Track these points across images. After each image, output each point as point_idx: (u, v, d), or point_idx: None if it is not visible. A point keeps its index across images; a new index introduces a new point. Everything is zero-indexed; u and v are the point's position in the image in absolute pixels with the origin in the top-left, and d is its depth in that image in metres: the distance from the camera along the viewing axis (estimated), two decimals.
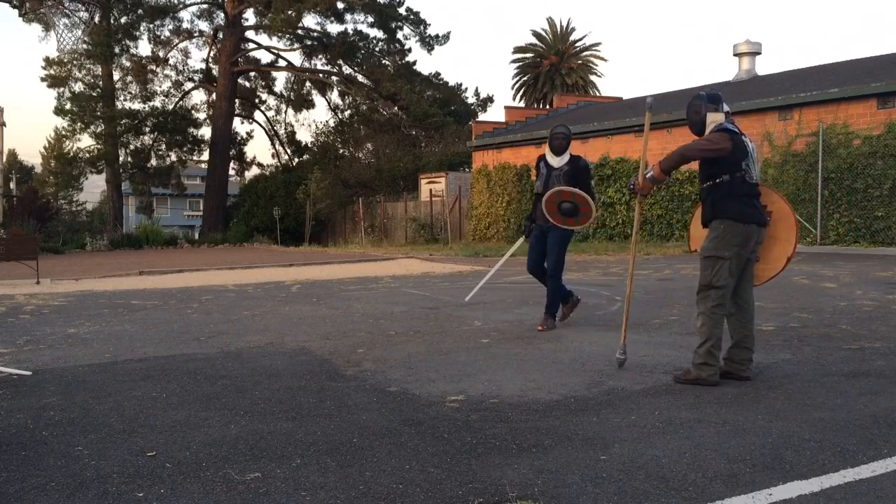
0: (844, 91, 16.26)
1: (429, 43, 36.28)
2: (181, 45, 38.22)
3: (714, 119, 4.58)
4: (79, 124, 34.35)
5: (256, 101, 41.29)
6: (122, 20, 34.74)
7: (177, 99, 38.42)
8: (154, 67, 37.27)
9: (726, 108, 4.66)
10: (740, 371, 4.57)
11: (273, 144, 41.83)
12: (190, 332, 6.93)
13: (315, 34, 36.58)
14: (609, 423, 3.70)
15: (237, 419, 3.90)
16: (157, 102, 37.49)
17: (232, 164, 40.35)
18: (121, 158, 36.00)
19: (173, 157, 38.10)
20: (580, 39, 47.93)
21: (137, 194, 40.64)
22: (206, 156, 38.57)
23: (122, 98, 36.36)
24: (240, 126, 41.54)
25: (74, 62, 34.94)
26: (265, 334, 6.69)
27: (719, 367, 4.51)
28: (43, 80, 34.48)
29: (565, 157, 6.69)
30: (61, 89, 34.50)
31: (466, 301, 7.40)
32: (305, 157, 39.59)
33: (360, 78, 36.90)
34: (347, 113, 39.32)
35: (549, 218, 6.52)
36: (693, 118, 4.68)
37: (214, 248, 30.20)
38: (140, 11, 34.89)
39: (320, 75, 38.33)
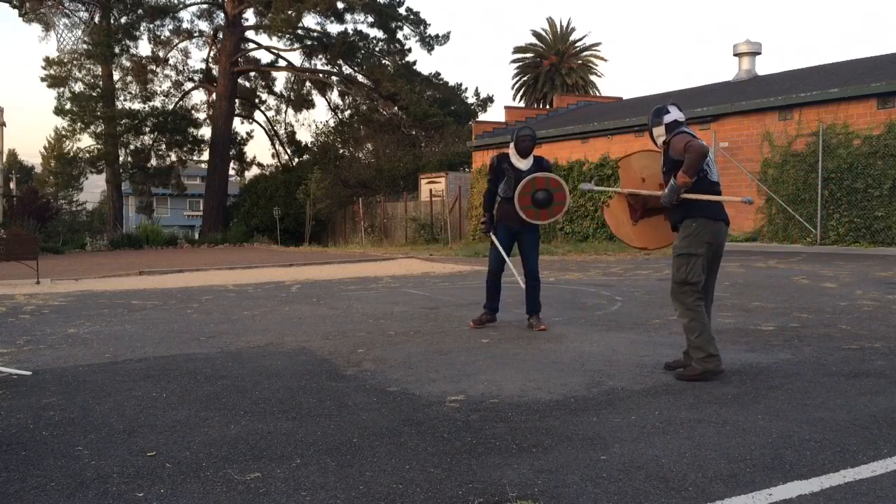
0: (844, 91, 16.26)
1: (429, 43, 36.28)
2: (181, 45, 38.25)
3: (658, 133, 4.89)
4: (79, 124, 34.34)
5: (256, 101, 41.28)
6: (122, 20, 34.72)
7: (177, 99, 38.45)
8: (154, 67, 37.26)
9: (674, 116, 4.84)
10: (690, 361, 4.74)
11: (273, 144, 41.85)
12: (190, 332, 6.93)
13: (315, 34, 36.59)
14: (609, 423, 3.70)
15: (237, 419, 3.90)
16: (157, 102, 37.53)
17: (232, 164, 40.34)
18: (121, 158, 35.99)
19: (173, 157, 38.09)
20: (580, 39, 47.98)
21: (137, 194, 40.64)
22: (206, 156, 38.58)
23: (122, 98, 36.39)
24: (240, 126, 41.60)
25: (74, 62, 34.93)
26: (265, 334, 6.69)
27: (717, 353, 4.61)
28: (43, 80, 34.49)
29: (531, 159, 6.54)
30: (61, 89, 34.50)
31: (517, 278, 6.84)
32: (305, 157, 39.57)
33: (360, 78, 36.88)
34: (347, 113, 39.31)
35: (521, 213, 6.38)
36: (649, 133, 5.06)
37: (214, 248, 30.19)
38: (140, 11, 34.87)
39: (320, 75, 38.32)
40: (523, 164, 6.52)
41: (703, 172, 4.69)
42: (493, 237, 6.73)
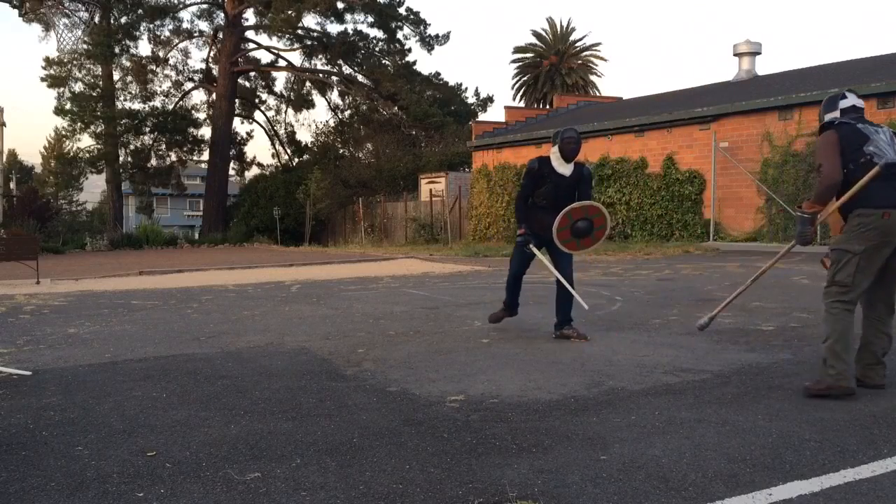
0: (845, 91, 16.24)
1: (429, 43, 36.27)
2: (181, 45, 38.24)
3: (831, 119, 4.37)
4: (79, 124, 34.31)
5: (256, 101, 41.29)
6: (122, 20, 34.70)
7: (177, 99, 38.44)
8: (154, 67, 37.26)
9: (849, 102, 4.34)
10: (867, 379, 4.24)
11: (273, 144, 41.87)
12: (190, 332, 6.93)
13: (315, 34, 36.60)
14: (609, 423, 3.70)
15: (237, 419, 3.90)
16: (157, 102, 37.52)
17: (232, 164, 40.36)
18: (121, 158, 35.98)
19: (173, 157, 38.10)
20: (580, 39, 47.94)
21: (137, 194, 40.62)
22: (206, 156, 38.58)
23: (122, 98, 36.37)
24: (240, 126, 41.60)
25: (74, 62, 34.92)
26: (265, 334, 6.69)
27: (849, 369, 4.05)
28: (43, 80, 34.49)
29: (572, 164, 6.08)
30: (61, 89, 34.50)
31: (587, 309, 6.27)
32: (305, 157, 39.59)
33: (360, 78, 36.89)
34: (347, 113, 39.33)
35: (562, 247, 5.98)
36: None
37: (214, 248, 30.18)
38: (140, 11, 34.85)
39: (320, 75, 38.31)
40: (566, 168, 6.05)
41: (866, 157, 4.06)
42: (535, 250, 6.24)
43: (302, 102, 40.23)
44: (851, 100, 4.36)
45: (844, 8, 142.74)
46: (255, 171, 41.74)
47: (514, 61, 48.14)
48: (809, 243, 4.35)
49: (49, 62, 34.32)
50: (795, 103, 17.15)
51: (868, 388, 4.23)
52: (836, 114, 4.35)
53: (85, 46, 34.12)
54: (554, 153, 6.08)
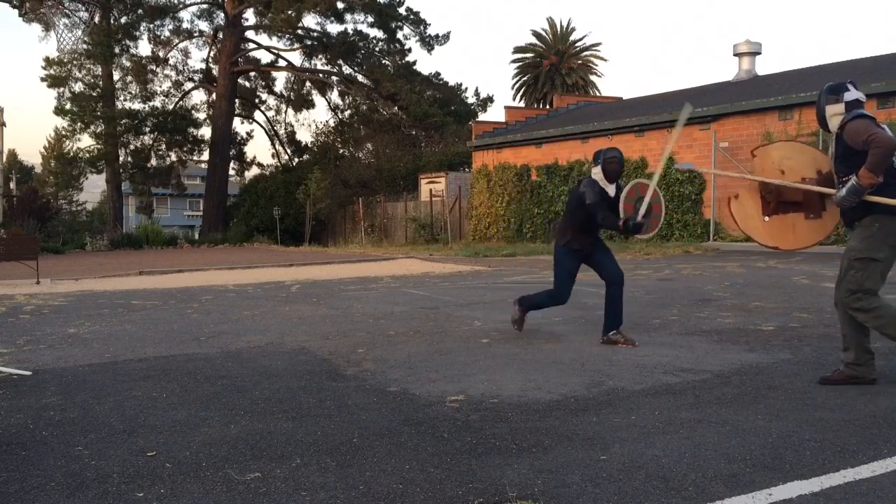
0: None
1: (429, 43, 36.28)
2: (181, 45, 38.30)
3: (834, 111, 4.33)
4: (79, 124, 34.33)
5: (256, 101, 41.30)
6: (122, 20, 34.74)
7: (177, 99, 38.46)
8: (154, 67, 37.30)
9: (855, 95, 4.32)
10: (867, 374, 4.32)
11: (273, 144, 41.88)
12: (190, 332, 6.93)
13: (315, 34, 36.61)
14: (609, 423, 3.70)
15: (237, 419, 3.90)
16: (157, 102, 37.56)
17: (232, 164, 40.38)
18: (121, 158, 35.99)
19: (173, 157, 38.12)
20: (580, 39, 47.94)
21: (137, 194, 40.63)
22: (206, 156, 38.60)
23: (122, 98, 36.42)
24: (240, 126, 41.62)
25: (74, 62, 34.96)
26: (265, 334, 6.69)
27: None
28: (43, 80, 34.51)
29: (614, 186, 5.85)
30: (61, 89, 34.53)
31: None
32: (305, 157, 39.62)
33: (360, 78, 36.90)
34: (347, 113, 39.34)
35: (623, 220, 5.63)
36: (818, 115, 4.46)
37: (214, 248, 30.19)
38: (140, 11, 34.88)
39: (320, 75, 38.32)
40: (611, 189, 5.82)
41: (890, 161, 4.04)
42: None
43: (302, 102, 40.25)
44: (854, 93, 4.33)
45: (844, 8, 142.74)
46: (255, 171, 41.83)
47: (514, 61, 48.18)
48: (845, 210, 4.28)
49: (49, 62, 34.34)
50: (795, 103, 17.14)
51: (863, 384, 4.27)
52: (842, 107, 4.30)
53: (85, 46, 34.15)
54: (597, 174, 5.81)
